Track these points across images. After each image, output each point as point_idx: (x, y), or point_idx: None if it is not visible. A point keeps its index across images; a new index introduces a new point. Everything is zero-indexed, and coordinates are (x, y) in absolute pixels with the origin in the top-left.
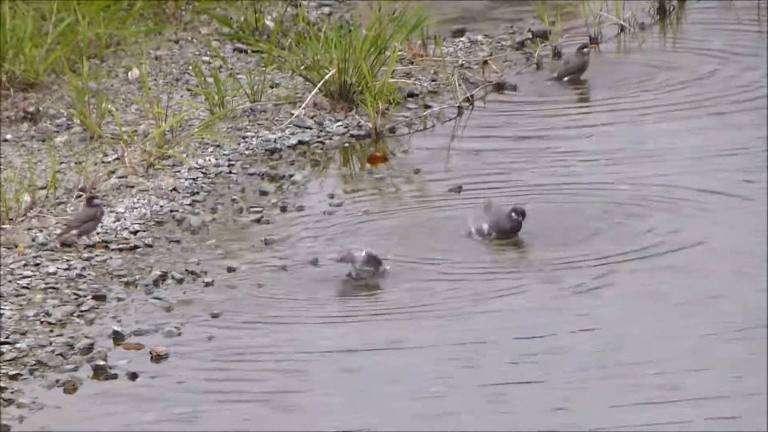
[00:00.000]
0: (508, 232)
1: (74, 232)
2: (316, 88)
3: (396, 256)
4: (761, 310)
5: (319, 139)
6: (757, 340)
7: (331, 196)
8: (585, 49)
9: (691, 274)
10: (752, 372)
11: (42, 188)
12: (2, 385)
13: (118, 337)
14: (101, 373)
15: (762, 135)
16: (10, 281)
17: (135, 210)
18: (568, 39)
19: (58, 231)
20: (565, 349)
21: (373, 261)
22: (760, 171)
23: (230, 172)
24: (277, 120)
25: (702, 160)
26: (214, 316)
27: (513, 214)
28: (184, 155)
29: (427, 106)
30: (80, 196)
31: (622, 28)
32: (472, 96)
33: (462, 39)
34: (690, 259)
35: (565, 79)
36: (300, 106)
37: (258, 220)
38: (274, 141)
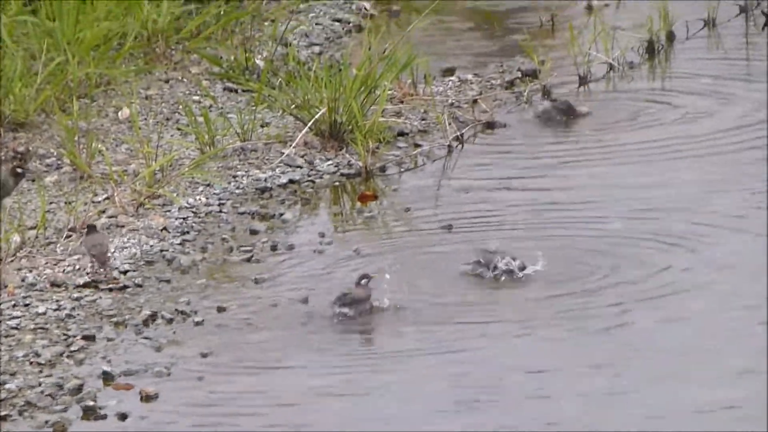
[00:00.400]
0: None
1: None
2: (307, 127)
3: (388, 295)
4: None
5: (309, 178)
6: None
7: (322, 235)
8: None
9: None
10: None
11: (32, 228)
12: None
13: (107, 378)
14: (91, 413)
15: (755, 170)
16: None
17: (125, 250)
18: (558, 77)
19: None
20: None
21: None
22: (756, 207)
23: (220, 211)
24: (267, 159)
25: (695, 196)
26: (204, 355)
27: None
28: (175, 195)
29: (417, 145)
30: (70, 236)
31: (611, 67)
32: (462, 135)
33: (452, 78)
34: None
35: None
36: (290, 145)
37: (248, 259)
38: (265, 180)
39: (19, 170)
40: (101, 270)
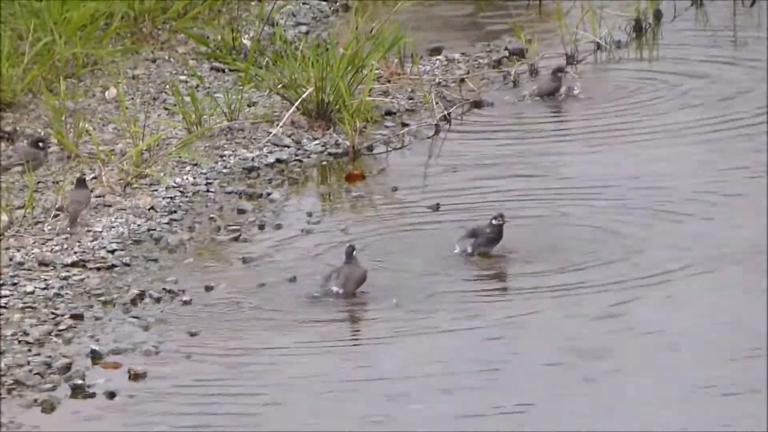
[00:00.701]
0: (491, 240)
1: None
2: (294, 107)
3: (374, 273)
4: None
5: (296, 158)
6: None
7: (309, 215)
8: (560, 73)
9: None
10: None
11: (19, 208)
12: None
13: (96, 356)
14: (79, 392)
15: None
16: None
17: (113, 229)
18: (545, 57)
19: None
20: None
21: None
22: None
23: (208, 191)
24: (254, 138)
25: (686, 175)
26: (192, 334)
27: (493, 221)
28: (162, 174)
29: (405, 125)
30: (57, 215)
31: (599, 46)
32: (449, 114)
33: (439, 57)
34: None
35: (540, 98)
36: (278, 125)
37: (236, 239)
38: (252, 159)
39: (41, 143)
40: (68, 228)
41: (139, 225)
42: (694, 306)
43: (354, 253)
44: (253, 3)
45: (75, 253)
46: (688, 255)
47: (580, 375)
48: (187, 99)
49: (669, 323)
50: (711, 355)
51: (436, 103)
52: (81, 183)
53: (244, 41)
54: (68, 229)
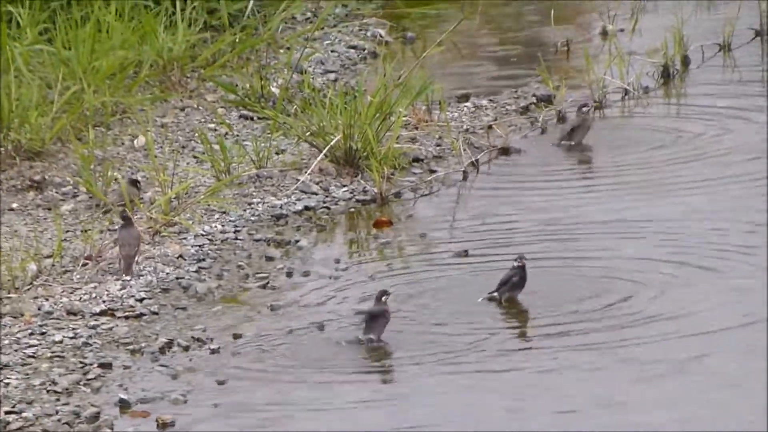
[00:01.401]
0: (516, 284)
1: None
2: (322, 154)
3: (403, 321)
4: None
5: (324, 205)
6: None
7: (337, 261)
8: (584, 108)
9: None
10: None
11: (48, 257)
12: None
13: (124, 405)
14: None
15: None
16: (16, 350)
17: (141, 277)
18: (573, 103)
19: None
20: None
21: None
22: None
23: (236, 239)
24: (282, 186)
25: (708, 225)
26: (221, 383)
27: (514, 263)
28: (191, 222)
29: (432, 171)
30: (86, 264)
31: (627, 92)
32: (477, 160)
33: (466, 104)
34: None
35: (569, 142)
36: (306, 172)
37: (264, 286)
38: (280, 207)
39: (138, 183)
40: (124, 274)
41: (167, 273)
42: None
43: (383, 298)
44: (281, 51)
45: (103, 302)
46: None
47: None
48: (216, 147)
49: None
50: None
51: (464, 150)
52: (127, 221)
53: (273, 89)
54: (124, 276)
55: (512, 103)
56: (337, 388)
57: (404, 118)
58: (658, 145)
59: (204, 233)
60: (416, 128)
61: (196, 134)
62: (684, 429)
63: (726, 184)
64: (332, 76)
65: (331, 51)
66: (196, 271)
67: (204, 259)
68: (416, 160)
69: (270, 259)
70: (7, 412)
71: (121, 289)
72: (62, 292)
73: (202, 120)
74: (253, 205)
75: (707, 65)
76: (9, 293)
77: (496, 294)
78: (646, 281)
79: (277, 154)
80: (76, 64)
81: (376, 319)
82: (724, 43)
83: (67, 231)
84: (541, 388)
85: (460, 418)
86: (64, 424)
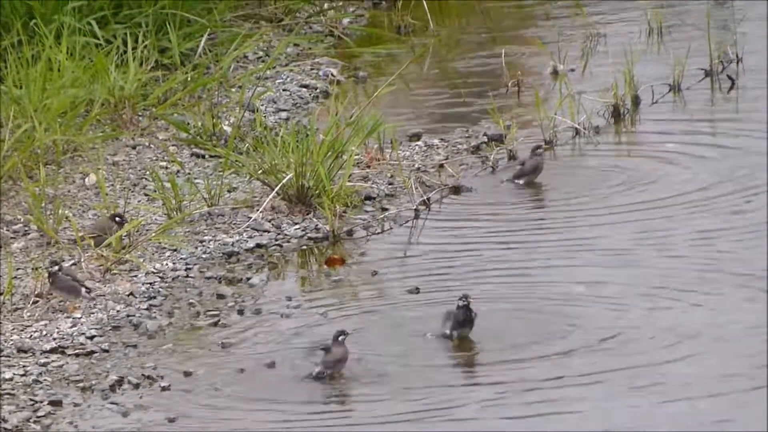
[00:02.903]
0: (461, 323)
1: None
2: (274, 192)
3: (354, 359)
4: None
5: (276, 242)
6: None
7: (289, 299)
8: (539, 150)
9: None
10: None
11: None
12: None
13: None
14: None
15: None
16: None
17: (92, 315)
18: (523, 142)
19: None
20: None
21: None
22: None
23: (187, 276)
24: (234, 224)
25: (658, 259)
26: (171, 420)
27: (459, 302)
28: (141, 260)
29: (385, 209)
30: (37, 301)
31: (577, 132)
32: (428, 199)
33: (418, 143)
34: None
35: (521, 181)
36: (257, 210)
37: (215, 324)
38: (232, 244)
39: (118, 218)
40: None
41: (118, 311)
42: None
43: (341, 338)
44: (233, 90)
45: (54, 339)
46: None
47: None
48: (167, 185)
49: None
50: None
51: (416, 188)
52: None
53: (225, 127)
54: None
55: (463, 142)
56: (289, 425)
57: (356, 157)
58: (608, 182)
59: (155, 271)
60: (368, 167)
61: (148, 172)
62: None
63: (671, 216)
64: (284, 114)
65: (283, 90)
66: (147, 309)
67: (155, 297)
68: (368, 198)
69: (221, 296)
70: None
71: (71, 327)
72: (12, 329)
73: (154, 158)
74: (204, 243)
75: (658, 104)
76: None
77: (447, 332)
78: (597, 315)
79: (228, 191)
80: (27, 102)
81: (333, 355)
82: (674, 82)
83: (18, 269)
84: (486, 421)
85: None
86: None
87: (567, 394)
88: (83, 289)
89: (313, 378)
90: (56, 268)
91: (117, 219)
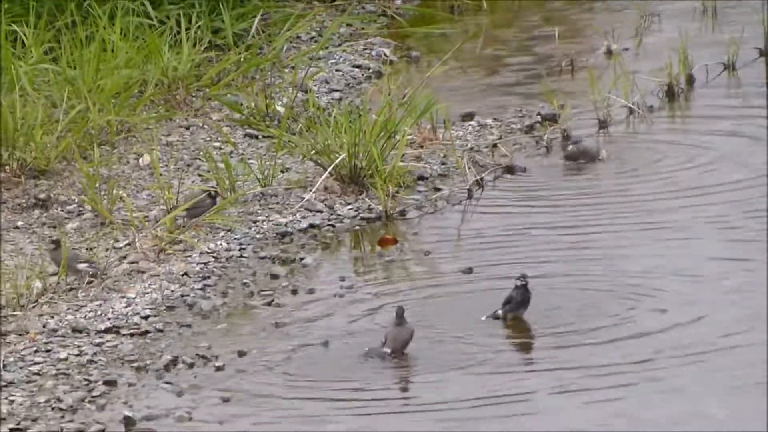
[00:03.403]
0: (519, 303)
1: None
2: (327, 172)
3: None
4: None
5: (329, 223)
6: None
7: (342, 279)
8: (518, 282)
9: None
10: None
11: (53, 275)
12: None
13: (129, 423)
14: None
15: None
16: (20, 368)
17: (146, 295)
18: (577, 122)
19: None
20: None
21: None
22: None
23: (241, 256)
24: (287, 204)
25: (716, 244)
26: (225, 400)
27: (517, 282)
28: (196, 240)
29: (437, 189)
30: (91, 282)
31: (631, 111)
32: (481, 179)
33: (471, 123)
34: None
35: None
36: (311, 190)
37: (269, 303)
38: (285, 225)
39: (214, 193)
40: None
41: (172, 291)
42: None
43: (403, 314)
44: (286, 70)
45: (108, 319)
46: None
47: None
48: (221, 165)
49: None
50: None
51: (469, 168)
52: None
53: (278, 108)
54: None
55: (517, 122)
56: (344, 404)
57: (409, 137)
58: (663, 162)
59: (209, 251)
60: (421, 147)
61: (201, 153)
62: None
63: (733, 201)
64: (337, 95)
65: (336, 70)
66: (201, 289)
67: (209, 277)
68: (421, 178)
69: (275, 276)
70: (11, 430)
71: (126, 307)
72: (67, 309)
73: (207, 138)
74: (258, 223)
75: (712, 84)
76: (14, 311)
77: (500, 312)
78: (651, 297)
79: (282, 172)
80: (81, 83)
81: (398, 337)
82: (728, 62)
83: (73, 249)
84: (542, 406)
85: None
86: None
87: (656, 375)
88: (80, 265)
89: (380, 357)
90: (53, 246)
91: (212, 194)
